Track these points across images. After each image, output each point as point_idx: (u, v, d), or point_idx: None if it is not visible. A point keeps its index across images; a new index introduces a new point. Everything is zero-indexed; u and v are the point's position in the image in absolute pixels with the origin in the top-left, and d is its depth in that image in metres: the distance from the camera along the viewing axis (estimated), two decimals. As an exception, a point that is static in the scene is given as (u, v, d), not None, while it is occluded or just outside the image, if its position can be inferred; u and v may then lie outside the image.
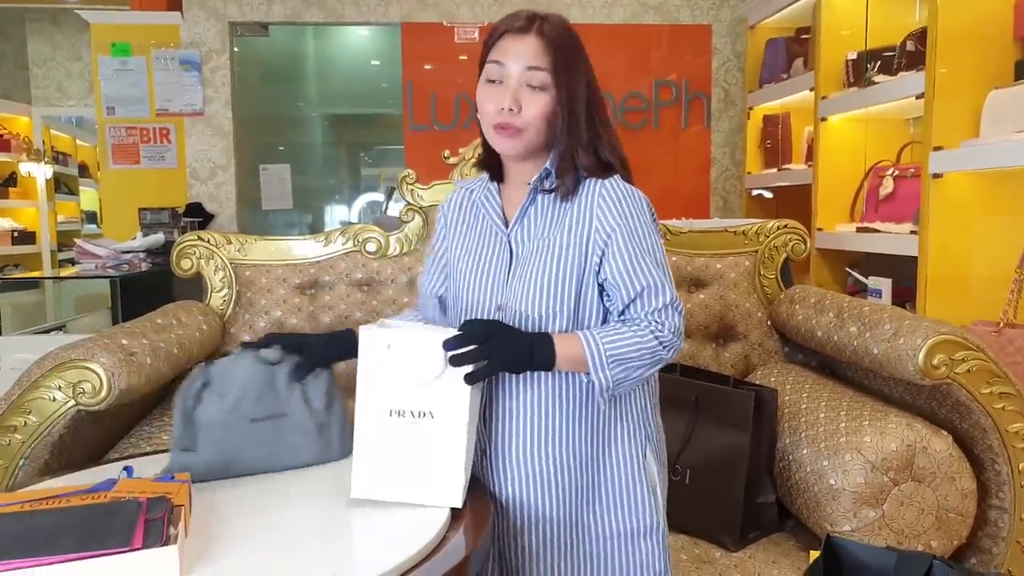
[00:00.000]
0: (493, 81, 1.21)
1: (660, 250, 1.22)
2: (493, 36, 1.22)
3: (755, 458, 1.64)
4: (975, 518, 1.48)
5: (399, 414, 1.14)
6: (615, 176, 1.22)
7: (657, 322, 1.16)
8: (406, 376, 1.13)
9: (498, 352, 1.12)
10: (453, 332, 1.12)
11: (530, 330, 1.20)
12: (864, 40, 2.85)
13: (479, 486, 1.25)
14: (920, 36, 2.47)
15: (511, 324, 1.20)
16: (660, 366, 1.20)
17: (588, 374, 1.15)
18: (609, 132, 1.24)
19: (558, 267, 1.20)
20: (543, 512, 1.24)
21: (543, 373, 1.22)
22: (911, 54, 2.54)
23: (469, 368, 1.11)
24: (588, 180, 1.21)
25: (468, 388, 1.12)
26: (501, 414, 1.25)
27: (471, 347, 1.11)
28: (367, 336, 1.15)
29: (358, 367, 1.15)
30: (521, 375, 1.23)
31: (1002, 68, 2.20)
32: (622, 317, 1.20)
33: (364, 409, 1.15)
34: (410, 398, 1.13)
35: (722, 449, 1.65)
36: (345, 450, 1.31)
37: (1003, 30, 2.21)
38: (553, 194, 1.23)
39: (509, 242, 1.26)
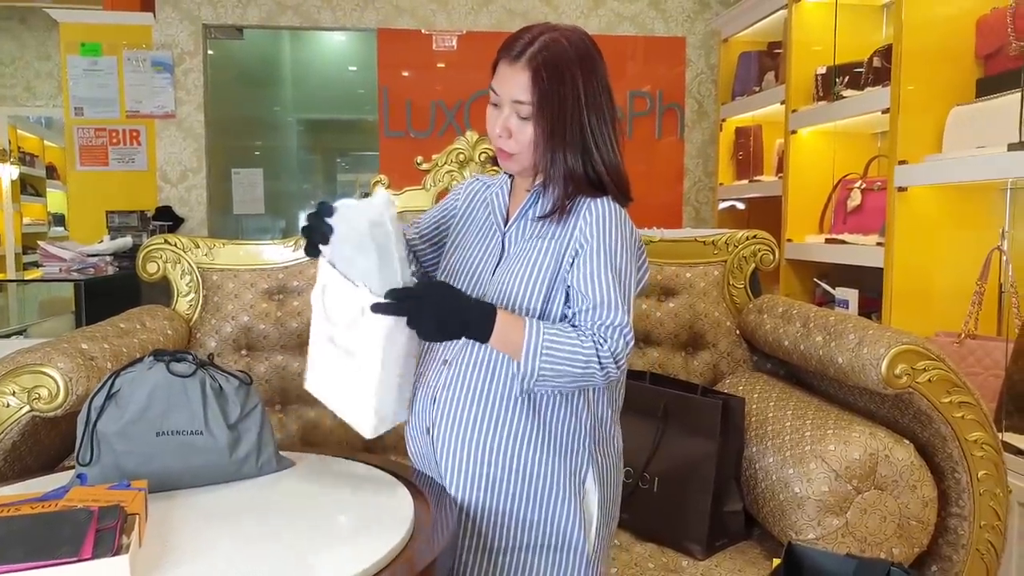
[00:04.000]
0: (494, 104, 1.26)
1: (629, 277, 1.22)
2: (497, 56, 1.26)
3: (722, 466, 1.65)
4: (936, 526, 1.50)
5: (333, 343, 1.24)
6: (607, 197, 1.25)
7: (601, 337, 1.17)
8: (333, 316, 1.23)
9: (428, 309, 1.15)
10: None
11: None
12: (833, 55, 2.89)
13: (444, 495, 1.24)
14: (886, 53, 2.51)
15: None
16: (589, 383, 1.20)
17: (518, 361, 1.17)
18: (605, 149, 1.24)
19: (535, 268, 1.24)
20: (476, 505, 1.26)
21: (501, 363, 1.24)
22: (878, 70, 2.59)
23: (386, 320, 1.16)
24: (581, 198, 1.25)
25: (381, 340, 1.17)
26: (449, 398, 1.27)
27: (395, 301, 1.15)
28: (320, 266, 1.24)
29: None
30: (480, 361, 1.25)
31: (964, 85, 2.25)
32: (572, 323, 1.21)
33: (314, 324, 1.28)
34: (337, 335, 1.22)
35: (690, 457, 1.66)
36: (260, 468, 1.29)
37: (966, 49, 2.26)
38: (547, 207, 1.27)
39: (503, 239, 1.32)
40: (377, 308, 1.14)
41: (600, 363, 1.16)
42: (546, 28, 1.23)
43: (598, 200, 1.24)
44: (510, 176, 1.38)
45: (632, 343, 1.19)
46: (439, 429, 1.28)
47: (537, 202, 1.30)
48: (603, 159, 1.24)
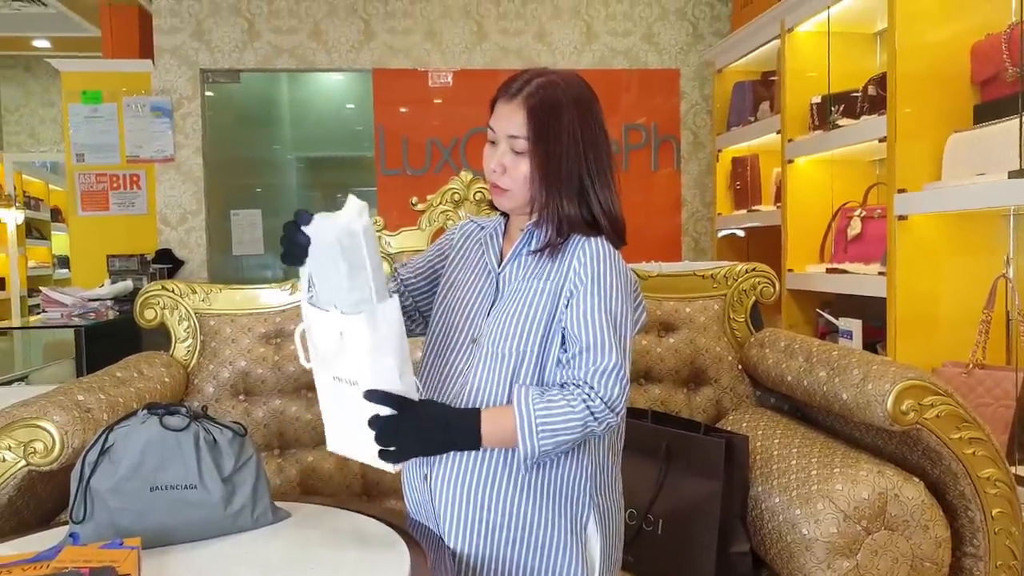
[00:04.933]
0: (492, 141, 1.28)
1: (623, 319, 1.22)
2: (495, 96, 1.28)
3: (727, 507, 1.61)
4: (950, 567, 1.46)
5: (338, 380, 1.19)
6: (601, 237, 1.26)
7: (592, 388, 1.16)
8: (320, 349, 1.20)
9: (408, 434, 1.16)
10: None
11: (501, 366, 1.23)
12: (827, 84, 2.90)
13: (441, 548, 1.21)
14: (881, 80, 2.52)
15: (484, 357, 1.24)
16: (590, 437, 1.20)
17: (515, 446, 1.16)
18: (600, 190, 1.26)
19: (531, 309, 1.24)
20: (474, 553, 1.24)
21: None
22: (873, 98, 2.59)
23: (365, 335, 1.12)
24: (575, 236, 1.25)
25: (368, 358, 1.13)
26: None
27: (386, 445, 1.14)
28: (302, 308, 1.21)
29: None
30: (478, 406, 1.24)
31: (961, 111, 2.24)
32: (562, 379, 1.21)
33: (316, 374, 1.24)
34: (336, 369, 1.18)
35: (694, 498, 1.63)
36: (255, 521, 1.26)
37: (961, 74, 2.26)
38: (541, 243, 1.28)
39: (497, 280, 1.31)
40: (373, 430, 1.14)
41: (596, 419, 1.16)
42: (544, 71, 1.28)
43: (592, 240, 1.24)
44: (505, 217, 1.38)
45: (628, 387, 1.18)
46: (436, 475, 1.26)
47: (531, 241, 1.30)
48: (599, 200, 1.25)
